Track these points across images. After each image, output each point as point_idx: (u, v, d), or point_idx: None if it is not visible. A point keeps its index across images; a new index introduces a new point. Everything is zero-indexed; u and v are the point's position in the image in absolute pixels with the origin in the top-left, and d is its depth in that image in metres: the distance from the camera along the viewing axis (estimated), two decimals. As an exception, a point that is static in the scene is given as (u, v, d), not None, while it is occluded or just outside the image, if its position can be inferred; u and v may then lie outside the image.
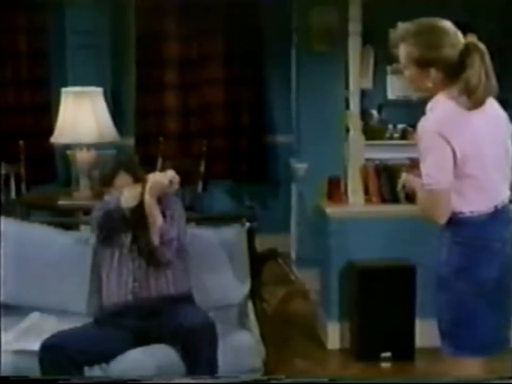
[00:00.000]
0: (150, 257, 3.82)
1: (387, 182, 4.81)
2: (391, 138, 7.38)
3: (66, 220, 5.23)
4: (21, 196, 6.26)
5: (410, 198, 3.51)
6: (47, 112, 6.66)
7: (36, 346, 3.52)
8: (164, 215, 3.84)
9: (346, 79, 5.14)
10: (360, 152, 4.94)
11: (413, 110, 5.32)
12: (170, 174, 3.84)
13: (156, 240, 3.79)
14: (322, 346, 4.91)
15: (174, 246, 3.83)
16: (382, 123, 7.47)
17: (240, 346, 3.76)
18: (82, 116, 5.32)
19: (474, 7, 6.80)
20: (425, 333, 4.37)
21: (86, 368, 3.54)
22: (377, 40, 6.82)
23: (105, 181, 3.98)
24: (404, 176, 3.23)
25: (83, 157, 5.37)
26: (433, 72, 2.92)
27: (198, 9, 6.97)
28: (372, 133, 6.69)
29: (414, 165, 3.96)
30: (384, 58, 7.12)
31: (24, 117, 6.93)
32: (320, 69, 5.93)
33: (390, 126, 7.44)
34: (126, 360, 3.62)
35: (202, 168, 6.63)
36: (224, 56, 7.09)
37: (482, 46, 2.90)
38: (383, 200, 4.84)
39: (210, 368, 3.50)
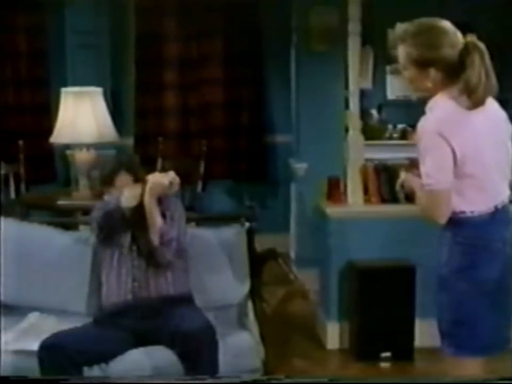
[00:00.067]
0: (150, 257, 3.82)
1: (387, 182, 4.80)
2: (390, 138, 7.37)
3: (65, 219, 5.23)
4: (20, 195, 6.24)
5: (410, 197, 3.50)
6: (46, 112, 6.66)
7: (35, 346, 3.51)
8: (164, 216, 3.84)
9: (346, 79, 5.13)
10: (359, 152, 4.93)
11: (412, 110, 5.33)
12: (171, 175, 3.83)
13: (155, 240, 3.79)
14: (321, 346, 4.90)
15: (174, 247, 3.83)
16: (381, 123, 7.46)
17: (239, 347, 3.75)
18: (82, 116, 5.32)
19: (474, 7, 6.80)
20: (425, 333, 4.37)
21: (86, 368, 3.54)
22: (376, 40, 6.83)
23: (106, 181, 3.99)
24: (403, 176, 3.21)
25: (83, 157, 5.37)
26: (432, 72, 2.91)
27: (197, 9, 6.97)
28: (371, 133, 6.68)
29: (413, 165, 3.95)
30: (383, 59, 7.11)
31: (24, 117, 6.92)
32: (319, 69, 5.93)
33: (390, 126, 7.43)
34: (126, 360, 3.62)
35: (201, 168, 6.62)
36: (224, 56, 7.09)
37: (482, 45, 2.89)
38: (383, 200, 4.83)
39: (210, 372, 3.47)
